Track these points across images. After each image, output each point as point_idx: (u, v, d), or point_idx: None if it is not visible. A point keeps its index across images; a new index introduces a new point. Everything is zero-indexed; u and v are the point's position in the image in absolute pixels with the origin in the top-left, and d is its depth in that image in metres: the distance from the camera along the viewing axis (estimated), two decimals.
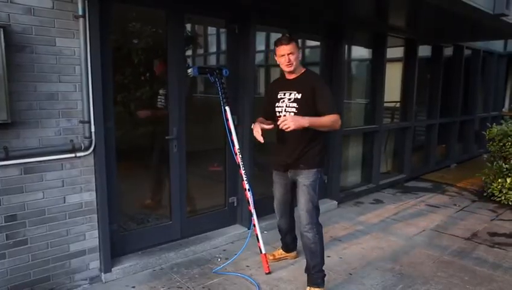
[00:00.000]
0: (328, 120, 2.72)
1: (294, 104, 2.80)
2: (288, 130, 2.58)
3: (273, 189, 3.19)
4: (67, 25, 2.69)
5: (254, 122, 3.00)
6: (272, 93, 2.99)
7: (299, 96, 2.80)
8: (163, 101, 3.47)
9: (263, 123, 2.94)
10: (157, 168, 3.68)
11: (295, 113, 2.76)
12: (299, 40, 4.45)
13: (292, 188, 3.06)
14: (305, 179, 2.85)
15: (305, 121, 2.63)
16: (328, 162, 3.06)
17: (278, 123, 2.65)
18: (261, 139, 2.84)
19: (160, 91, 3.48)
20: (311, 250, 2.86)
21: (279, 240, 3.48)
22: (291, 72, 2.85)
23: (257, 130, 2.88)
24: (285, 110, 2.84)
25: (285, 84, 2.90)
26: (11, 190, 2.58)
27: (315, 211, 2.86)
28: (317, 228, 2.87)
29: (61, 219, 2.81)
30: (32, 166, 2.65)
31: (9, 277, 2.63)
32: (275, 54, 2.86)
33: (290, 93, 2.84)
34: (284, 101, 2.86)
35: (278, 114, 2.88)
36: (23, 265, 2.69)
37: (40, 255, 2.75)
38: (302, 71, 2.89)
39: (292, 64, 2.78)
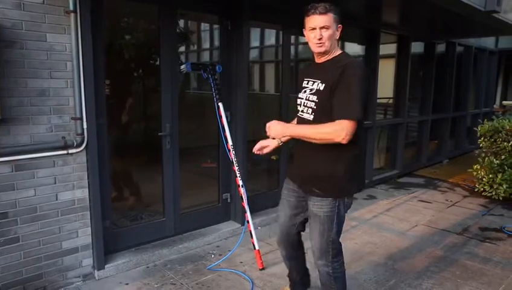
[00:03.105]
0: (322, 131, 1.99)
1: (314, 98, 2.08)
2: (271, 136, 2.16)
3: (279, 208, 2.44)
4: (58, 20, 2.66)
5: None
6: (299, 83, 2.28)
7: (321, 87, 2.05)
8: None
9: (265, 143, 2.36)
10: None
11: (313, 110, 2.10)
12: (292, 37, 4.47)
13: (305, 210, 2.31)
14: (318, 207, 2.15)
15: (285, 131, 2.10)
16: (359, 185, 2.25)
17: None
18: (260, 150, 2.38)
19: None
20: None
21: (272, 235, 3.45)
22: (321, 54, 2.10)
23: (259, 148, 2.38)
24: (304, 105, 2.15)
25: (312, 70, 2.19)
26: (1, 187, 2.56)
27: (331, 246, 2.19)
28: (334, 265, 2.24)
29: (53, 216, 2.79)
30: (24, 163, 2.62)
31: (0, 275, 2.61)
32: (304, 27, 2.11)
33: (314, 82, 2.12)
34: (305, 91, 2.15)
35: (298, 107, 2.22)
36: (15, 263, 2.67)
37: (32, 252, 2.73)
38: (337, 54, 2.12)
39: (323, 43, 2.03)
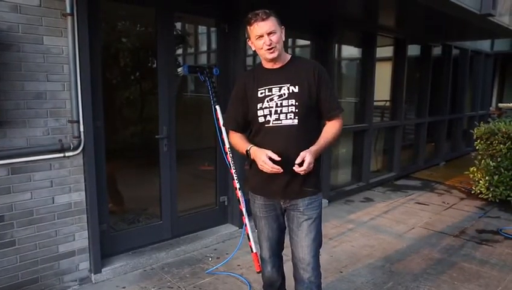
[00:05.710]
0: (335, 134, 2.07)
1: (292, 101, 2.01)
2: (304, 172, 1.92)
3: (259, 227, 2.26)
4: (55, 23, 2.66)
5: (248, 150, 2.05)
6: (245, 93, 2.11)
7: (296, 89, 2.01)
8: None
9: (261, 150, 1.98)
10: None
11: (295, 114, 2.01)
12: (290, 40, 4.48)
13: (283, 222, 2.25)
14: (311, 209, 2.09)
15: (317, 155, 1.97)
16: None
17: (300, 170, 1.90)
18: (278, 168, 1.92)
19: None
20: None
21: None
22: (275, 60, 2.04)
23: (266, 162, 1.93)
24: (276, 112, 2.02)
25: (268, 77, 2.08)
26: None
27: (319, 251, 2.16)
28: (320, 269, 2.17)
29: (49, 219, 2.78)
30: (20, 166, 2.61)
31: None
32: (248, 38, 2.05)
33: (281, 88, 2.03)
34: (272, 99, 2.03)
35: (263, 119, 2.05)
36: (11, 267, 2.65)
37: (29, 256, 2.72)
38: (289, 57, 2.11)
39: (275, 47, 1.98)
